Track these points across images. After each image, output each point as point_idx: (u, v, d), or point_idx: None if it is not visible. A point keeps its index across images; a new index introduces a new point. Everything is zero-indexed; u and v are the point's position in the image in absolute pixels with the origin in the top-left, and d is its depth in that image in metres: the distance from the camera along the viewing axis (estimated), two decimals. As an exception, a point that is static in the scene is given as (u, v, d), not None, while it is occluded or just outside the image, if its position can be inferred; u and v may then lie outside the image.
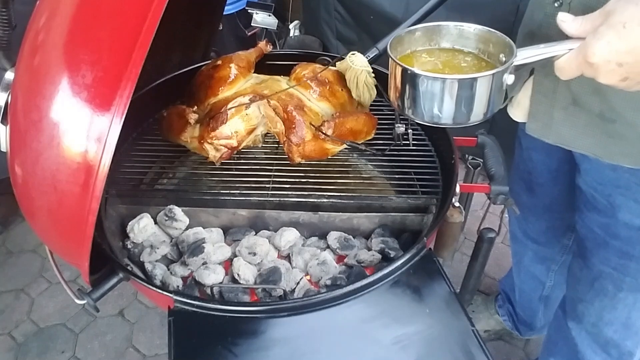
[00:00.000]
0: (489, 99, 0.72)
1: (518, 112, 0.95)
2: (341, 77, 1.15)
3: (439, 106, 0.72)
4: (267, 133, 1.12)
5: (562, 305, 1.25)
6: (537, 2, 0.84)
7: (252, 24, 2.41)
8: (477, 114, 0.73)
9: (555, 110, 0.88)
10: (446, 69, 0.77)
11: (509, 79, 0.71)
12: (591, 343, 1.18)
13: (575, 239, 1.23)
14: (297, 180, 1.07)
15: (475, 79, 0.70)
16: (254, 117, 1.06)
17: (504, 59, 0.74)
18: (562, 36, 0.66)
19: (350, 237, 1.05)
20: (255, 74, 1.19)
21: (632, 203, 0.92)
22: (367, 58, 1.08)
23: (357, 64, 1.07)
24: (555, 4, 0.79)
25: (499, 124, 1.89)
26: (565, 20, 0.65)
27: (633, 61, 0.60)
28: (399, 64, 0.73)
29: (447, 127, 0.89)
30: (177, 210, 1.04)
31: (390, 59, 0.75)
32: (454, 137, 1.08)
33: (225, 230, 1.08)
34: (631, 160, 0.85)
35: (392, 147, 1.15)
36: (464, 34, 0.79)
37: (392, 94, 0.79)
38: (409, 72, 0.72)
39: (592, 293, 1.11)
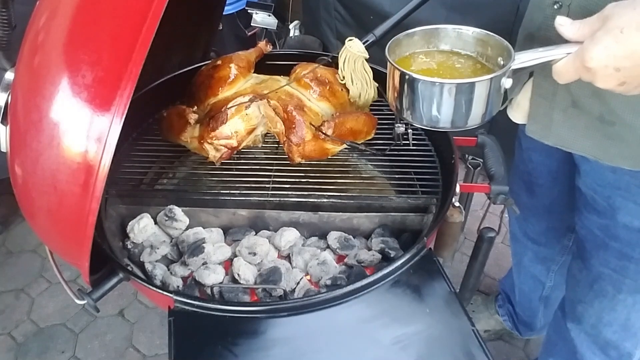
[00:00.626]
0: (487, 102, 0.72)
1: (518, 114, 0.95)
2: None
3: (438, 110, 0.72)
4: (267, 133, 1.12)
5: (562, 306, 1.25)
6: (537, 4, 0.84)
7: (252, 24, 2.41)
8: (476, 117, 0.73)
9: (555, 112, 0.88)
10: (440, 70, 0.77)
11: (507, 82, 0.71)
12: (590, 344, 1.18)
13: (574, 240, 1.23)
14: (297, 180, 1.07)
15: (473, 83, 0.70)
16: (254, 117, 1.06)
17: (502, 62, 0.74)
18: (562, 39, 0.66)
19: (350, 237, 1.05)
20: (255, 74, 1.19)
21: (632, 205, 0.92)
22: (364, 44, 1.09)
23: (354, 49, 1.08)
24: (555, 6, 0.79)
25: (499, 124, 1.88)
26: (563, 24, 0.65)
27: (630, 66, 0.60)
28: (397, 68, 0.73)
29: (446, 130, 0.90)
30: (177, 210, 1.04)
31: (388, 62, 0.75)
32: (454, 137, 1.08)
33: (225, 230, 1.08)
34: (630, 163, 0.85)
35: (392, 147, 1.15)
36: (462, 36, 0.79)
37: (391, 98, 0.79)
38: (407, 76, 0.72)
39: (592, 294, 1.10)
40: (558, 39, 0.67)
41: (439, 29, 0.80)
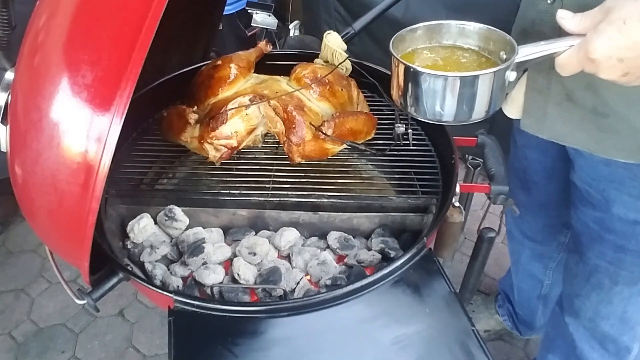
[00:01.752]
0: (491, 96, 0.72)
1: (512, 109, 0.95)
2: (341, 77, 1.15)
3: (441, 104, 0.73)
4: (267, 133, 1.12)
5: (560, 302, 1.26)
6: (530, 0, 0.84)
7: (252, 24, 2.41)
8: (479, 111, 0.74)
9: (549, 105, 0.88)
10: (447, 65, 0.77)
11: (511, 76, 0.71)
12: (589, 338, 1.19)
13: (570, 235, 1.23)
14: (297, 180, 1.07)
15: (477, 76, 0.70)
16: (254, 117, 1.06)
17: (504, 56, 0.74)
18: (555, 33, 0.67)
19: (350, 237, 1.05)
20: (255, 74, 1.19)
21: (626, 197, 0.93)
22: (342, 37, 1.14)
23: (332, 43, 1.13)
24: (548, 1, 0.79)
25: (499, 124, 1.89)
26: (565, 17, 0.66)
27: (634, 56, 0.60)
28: (402, 62, 0.73)
29: (449, 124, 0.90)
30: (177, 210, 1.04)
31: (392, 57, 0.75)
32: (454, 137, 1.08)
33: (225, 230, 1.08)
34: (624, 154, 0.86)
35: (392, 147, 1.15)
36: (465, 32, 0.80)
37: (395, 92, 0.79)
38: (411, 69, 0.72)
39: (589, 287, 1.11)
40: (552, 34, 0.67)
41: (442, 25, 0.80)
